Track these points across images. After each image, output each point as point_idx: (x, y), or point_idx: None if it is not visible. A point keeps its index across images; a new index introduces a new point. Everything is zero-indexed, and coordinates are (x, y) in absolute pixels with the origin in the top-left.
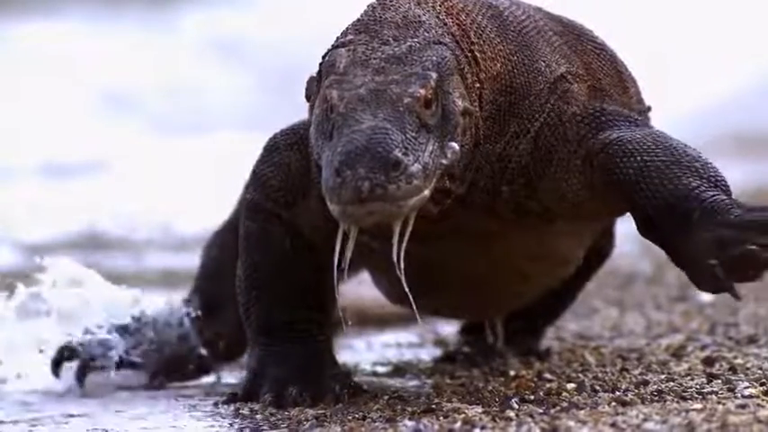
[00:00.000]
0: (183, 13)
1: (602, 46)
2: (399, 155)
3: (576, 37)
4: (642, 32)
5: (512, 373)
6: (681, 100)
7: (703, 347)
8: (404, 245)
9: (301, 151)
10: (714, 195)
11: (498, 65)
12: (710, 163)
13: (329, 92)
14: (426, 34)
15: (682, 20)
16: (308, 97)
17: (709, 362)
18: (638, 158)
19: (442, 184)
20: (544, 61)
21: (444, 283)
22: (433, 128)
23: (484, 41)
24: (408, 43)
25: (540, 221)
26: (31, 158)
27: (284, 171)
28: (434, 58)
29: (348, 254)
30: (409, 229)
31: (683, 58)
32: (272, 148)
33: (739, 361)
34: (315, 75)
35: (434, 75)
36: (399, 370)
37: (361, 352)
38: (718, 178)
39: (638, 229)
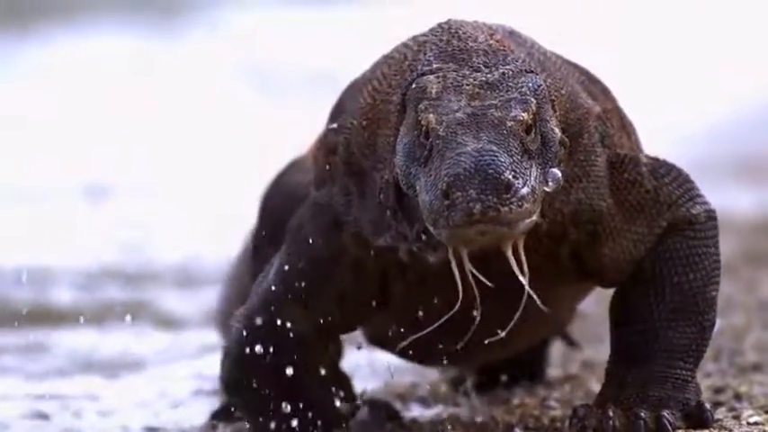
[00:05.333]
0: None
1: (608, 89)
2: (510, 177)
3: (587, 76)
4: (643, 55)
5: (515, 401)
6: (683, 124)
7: (708, 375)
8: (525, 266)
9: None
10: (685, 373)
11: (555, 99)
12: (714, 315)
13: (425, 116)
14: (517, 62)
15: (684, 42)
16: (330, 154)
17: (714, 389)
18: (687, 275)
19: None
20: (582, 97)
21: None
22: (534, 154)
23: None
24: (501, 70)
25: (575, 275)
26: (73, 179)
27: (311, 260)
28: (530, 84)
29: (466, 270)
30: (522, 251)
31: (685, 81)
32: (297, 228)
33: (744, 389)
34: (333, 127)
35: (534, 100)
36: (402, 396)
37: (365, 377)
38: (706, 341)
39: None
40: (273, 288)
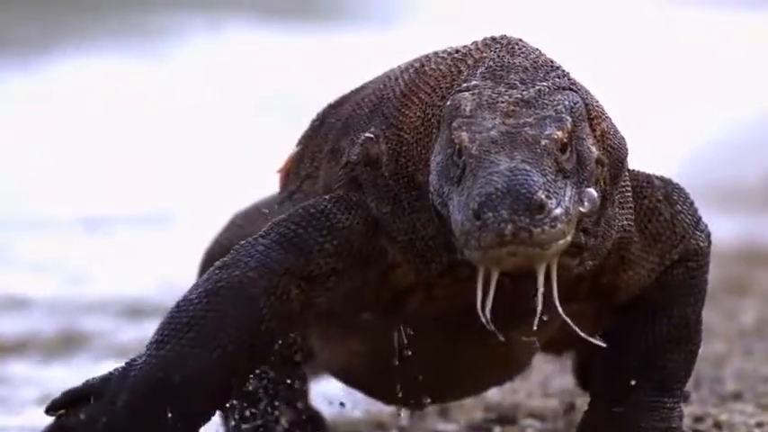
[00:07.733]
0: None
1: None
2: (543, 197)
3: None
4: (628, 80)
5: (497, 429)
6: (666, 148)
7: (689, 403)
8: (555, 293)
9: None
10: (673, 400)
11: (603, 123)
12: (700, 338)
13: (458, 134)
14: (557, 80)
15: (662, 71)
16: (368, 163)
17: (694, 418)
18: (686, 308)
19: (577, 236)
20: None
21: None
22: (570, 173)
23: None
24: (537, 87)
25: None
26: (73, 210)
27: (340, 245)
28: (566, 102)
29: (491, 296)
30: (554, 277)
31: (668, 107)
32: (322, 213)
33: (725, 417)
34: (370, 135)
35: (569, 118)
36: (382, 425)
37: (340, 406)
38: (693, 364)
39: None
40: (276, 260)
